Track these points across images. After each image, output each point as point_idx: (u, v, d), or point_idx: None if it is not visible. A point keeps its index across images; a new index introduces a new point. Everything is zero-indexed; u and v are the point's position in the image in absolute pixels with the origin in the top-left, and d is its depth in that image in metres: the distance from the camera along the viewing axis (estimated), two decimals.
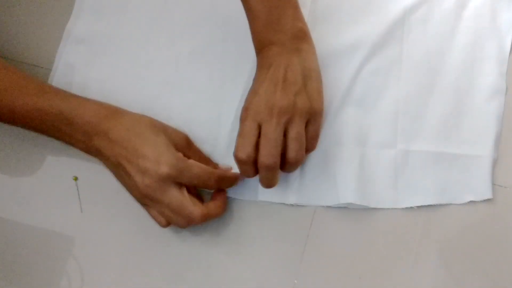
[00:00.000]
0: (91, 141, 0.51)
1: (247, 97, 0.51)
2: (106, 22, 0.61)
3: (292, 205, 0.55)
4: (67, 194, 0.57)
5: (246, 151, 0.48)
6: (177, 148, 0.51)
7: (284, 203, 0.55)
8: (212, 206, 0.52)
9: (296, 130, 0.49)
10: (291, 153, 0.49)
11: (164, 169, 0.48)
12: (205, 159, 0.56)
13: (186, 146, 0.54)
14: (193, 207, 0.49)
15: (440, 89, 0.56)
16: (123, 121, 0.51)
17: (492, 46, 0.57)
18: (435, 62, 0.57)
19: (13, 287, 0.55)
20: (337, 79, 0.57)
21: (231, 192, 0.56)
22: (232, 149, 0.50)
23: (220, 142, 0.57)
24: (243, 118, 0.49)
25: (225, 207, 0.54)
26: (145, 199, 0.50)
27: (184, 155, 0.51)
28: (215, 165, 0.56)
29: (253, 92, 0.50)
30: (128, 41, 0.60)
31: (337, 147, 0.55)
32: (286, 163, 0.50)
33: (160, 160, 0.48)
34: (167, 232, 0.56)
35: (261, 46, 0.52)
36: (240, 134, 0.49)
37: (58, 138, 0.53)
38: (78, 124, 0.51)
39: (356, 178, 0.54)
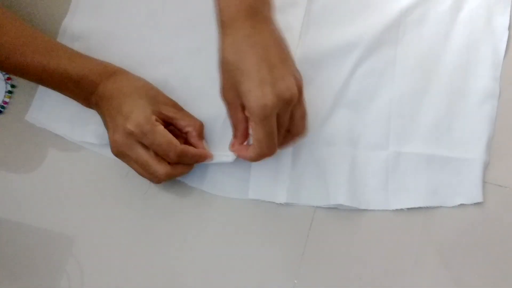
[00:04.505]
0: (91, 98, 0.55)
1: (244, 90, 0.47)
2: (102, 19, 0.61)
3: (282, 204, 0.55)
4: (67, 194, 0.57)
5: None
6: (160, 116, 0.52)
7: (281, 204, 0.55)
8: (178, 166, 0.53)
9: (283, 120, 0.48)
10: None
11: (129, 126, 0.50)
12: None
13: (172, 112, 0.54)
14: (157, 165, 0.51)
15: (434, 91, 0.56)
16: (117, 80, 0.54)
17: (486, 49, 0.56)
18: (429, 65, 0.56)
19: (13, 287, 0.56)
20: (331, 80, 0.56)
21: (222, 191, 0.56)
22: (226, 145, 0.52)
23: (215, 138, 0.56)
24: (258, 120, 0.47)
25: (191, 168, 0.54)
26: (118, 154, 0.52)
27: (170, 123, 0.53)
28: (202, 144, 0.55)
29: (250, 83, 0.47)
30: (124, 38, 0.60)
31: (329, 147, 0.55)
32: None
33: (129, 117, 0.51)
34: (167, 232, 0.56)
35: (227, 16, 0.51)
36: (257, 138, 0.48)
37: (64, 93, 0.56)
38: (83, 84, 0.54)
39: (347, 179, 0.54)
